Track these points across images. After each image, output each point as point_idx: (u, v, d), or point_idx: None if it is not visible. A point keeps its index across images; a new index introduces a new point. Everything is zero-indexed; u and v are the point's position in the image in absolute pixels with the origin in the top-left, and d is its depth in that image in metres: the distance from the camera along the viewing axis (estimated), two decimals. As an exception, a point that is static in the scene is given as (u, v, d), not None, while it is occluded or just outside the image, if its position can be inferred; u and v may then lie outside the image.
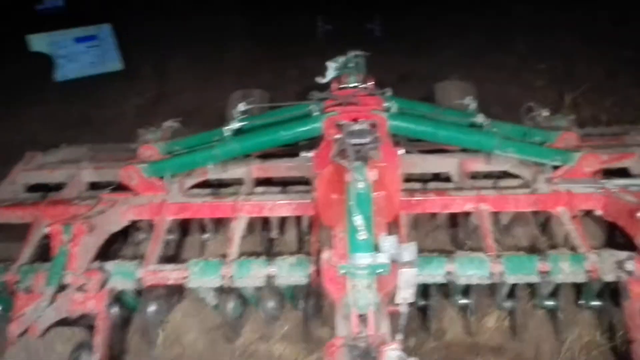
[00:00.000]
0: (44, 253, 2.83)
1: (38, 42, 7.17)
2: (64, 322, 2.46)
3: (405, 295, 2.00)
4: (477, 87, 4.10)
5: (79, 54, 7.41)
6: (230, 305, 2.78)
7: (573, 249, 2.59)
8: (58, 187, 3.37)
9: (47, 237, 2.78)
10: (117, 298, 2.71)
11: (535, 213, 3.04)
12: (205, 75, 6.90)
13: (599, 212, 2.81)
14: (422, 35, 7.34)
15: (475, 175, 3.19)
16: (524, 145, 3.04)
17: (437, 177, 3.37)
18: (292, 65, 6.81)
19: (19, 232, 3.04)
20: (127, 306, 2.80)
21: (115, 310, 2.72)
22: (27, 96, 6.55)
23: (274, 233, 3.18)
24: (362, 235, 2.11)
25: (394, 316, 2.08)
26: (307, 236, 3.22)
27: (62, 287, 2.47)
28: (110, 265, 2.61)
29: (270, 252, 3.16)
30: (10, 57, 7.36)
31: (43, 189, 3.41)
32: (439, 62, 6.42)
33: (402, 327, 1.99)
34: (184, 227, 3.24)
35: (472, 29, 7.56)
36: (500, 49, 6.95)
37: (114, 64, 7.59)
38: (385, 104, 2.85)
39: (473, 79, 4.28)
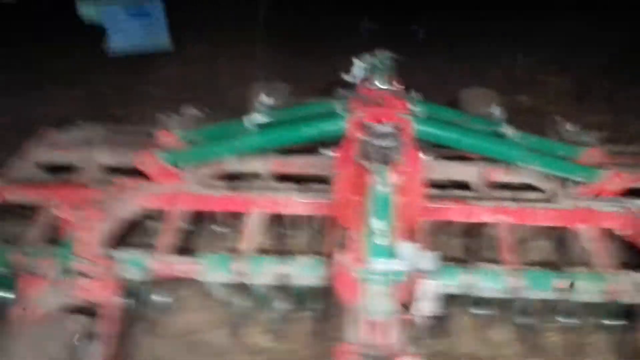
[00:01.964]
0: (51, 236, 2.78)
1: (87, 8, 6.43)
2: (68, 309, 2.41)
3: (423, 306, 1.95)
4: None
5: (128, 27, 6.52)
6: (240, 301, 2.73)
7: (591, 267, 2.56)
8: (71, 167, 3.30)
9: (56, 219, 2.76)
10: (125, 288, 2.63)
11: (552, 228, 2.98)
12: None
13: (619, 231, 2.78)
14: (463, 40, 7.09)
15: (495, 186, 3.12)
16: (549, 158, 2.97)
17: (457, 184, 3.30)
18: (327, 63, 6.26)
19: (27, 212, 2.98)
20: (133, 297, 2.72)
21: (122, 300, 2.65)
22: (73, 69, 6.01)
23: (287, 230, 3.12)
24: (381, 240, 2.07)
25: (408, 326, 2.03)
26: (320, 236, 3.17)
27: (69, 272, 2.43)
28: (119, 253, 2.56)
29: (281, 250, 3.12)
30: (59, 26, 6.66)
31: (55, 169, 3.32)
32: (472, 69, 6.21)
33: (417, 339, 1.94)
34: (196, 217, 3.17)
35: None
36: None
37: (163, 41, 6.70)
38: (412, 108, 2.79)
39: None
